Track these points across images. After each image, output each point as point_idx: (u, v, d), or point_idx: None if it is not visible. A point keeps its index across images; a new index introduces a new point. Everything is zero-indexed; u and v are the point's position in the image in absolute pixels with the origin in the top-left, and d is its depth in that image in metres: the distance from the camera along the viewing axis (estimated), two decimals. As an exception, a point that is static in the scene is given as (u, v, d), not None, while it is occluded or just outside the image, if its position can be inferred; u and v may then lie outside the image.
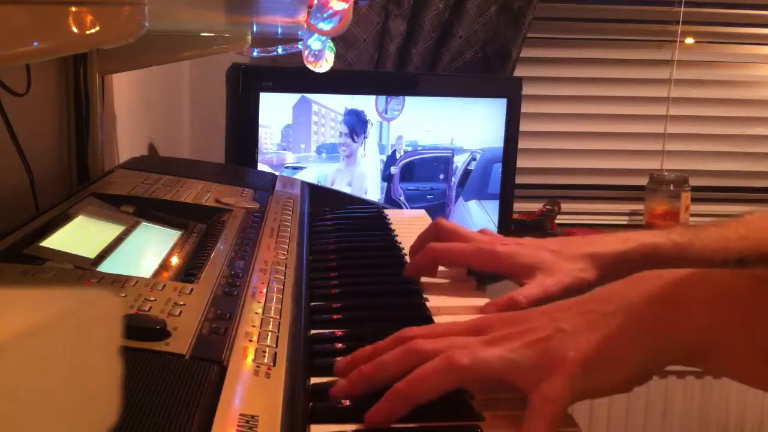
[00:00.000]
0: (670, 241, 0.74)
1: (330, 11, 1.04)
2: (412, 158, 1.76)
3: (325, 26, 1.06)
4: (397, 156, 1.74)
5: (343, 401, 0.51)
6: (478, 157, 1.80)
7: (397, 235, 0.93)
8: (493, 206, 1.83)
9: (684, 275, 0.53)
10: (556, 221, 2.08)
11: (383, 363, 0.52)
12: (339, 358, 0.56)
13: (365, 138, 1.70)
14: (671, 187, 2.03)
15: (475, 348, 0.51)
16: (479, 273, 0.79)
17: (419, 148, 1.76)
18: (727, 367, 0.52)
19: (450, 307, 0.70)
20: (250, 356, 0.51)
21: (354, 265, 0.82)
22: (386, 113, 1.71)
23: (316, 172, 1.66)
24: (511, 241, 0.76)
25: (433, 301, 0.71)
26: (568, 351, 0.50)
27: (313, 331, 0.62)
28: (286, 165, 1.63)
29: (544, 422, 0.47)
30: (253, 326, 0.56)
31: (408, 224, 0.95)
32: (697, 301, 0.51)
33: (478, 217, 1.82)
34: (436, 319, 0.66)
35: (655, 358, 0.51)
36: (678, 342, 0.51)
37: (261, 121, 1.58)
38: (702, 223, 0.77)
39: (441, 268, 0.78)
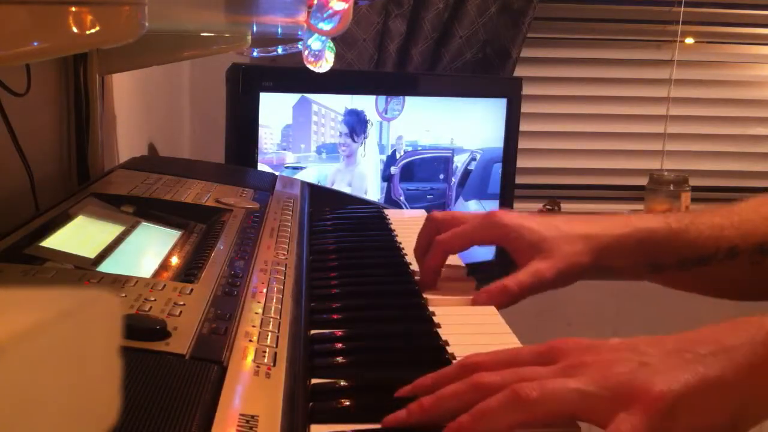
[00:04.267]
0: (666, 226, 0.74)
1: (330, 11, 1.04)
2: (412, 158, 1.76)
3: (325, 26, 1.06)
4: (397, 156, 1.74)
5: (342, 401, 0.51)
6: (478, 157, 1.80)
7: (397, 235, 0.92)
8: (493, 206, 1.83)
9: None
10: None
11: (444, 397, 0.48)
12: (340, 358, 0.56)
13: (365, 138, 1.70)
14: (671, 187, 2.03)
15: (546, 380, 0.46)
16: (479, 272, 0.79)
17: (419, 148, 1.76)
18: None
19: (450, 307, 0.70)
20: (250, 356, 0.51)
21: (354, 265, 0.82)
22: (386, 113, 1.71)
23: (316, 172, 1.66)
24: (514, 214, 0.76)
25: (433, 301, 0.71)
26: (655, 385, 0.45)
27: (313, 331, 0.62)
28: (286, 165, 1.63)
29: None
30: (253, 326, 0.56)
31: (408, 224, 0.95)
32: None
33: (478, 217, 1.81)
34: (436, 319, 0.66)
35: (751, 409, 0.46)
36: None
37: (261, 121, 1.58)
38: (699, 210, 0.78)
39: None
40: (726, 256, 0.74)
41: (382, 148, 1.73)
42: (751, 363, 0.46)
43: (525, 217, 0.75)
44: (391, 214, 1.04)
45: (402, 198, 1.75)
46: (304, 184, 1.14)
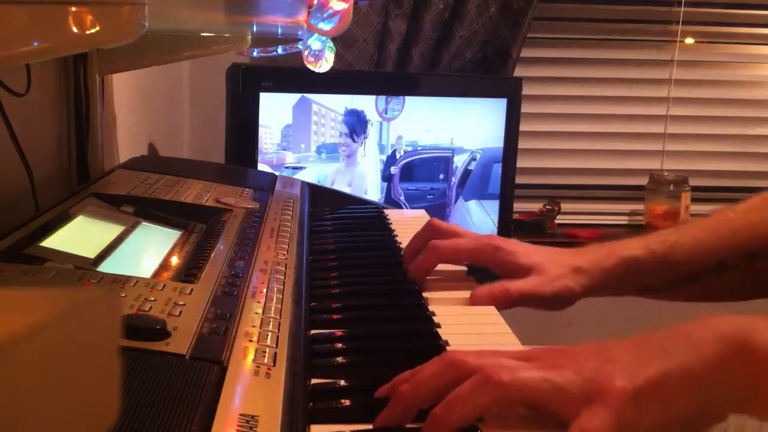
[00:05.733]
0: (649, 252, 0.75)
1: (330, 11, 1.04)
2: (412, 158, 1.76)
3: (325, 26, 1.06)
4: (397, 156, 1.74)
5: (342, 401, 0.51)
6: (478, 157, 1.80)
7: (397, 235, 0.93)
8: (493, 206, 1.83)
9: (755, 320, 0.49)
10: (556, 221, 2.08)
11: (421, 380, 0.49)
12: (340, 358, 0.56)
13: (365, 138, 1.70)
14: (671, 187, 2.03)
15: (518, 368, 0.48)
16: (478, 272, 0.79)
17: (419, 148, 1.76)
18: None
19: (450, 307, 0.70)
20: (250, 356, 0.51)
21: (354, 265, 0.82)
22: (386, 113, 1.71)
23: (316, 172, 1.66)
24: (508, 240, 0.78)
25: (433, 301, 0.71)
26: (618, 379, 0.46)
27: (313, 331, 0.62)
28: (286, 165, 1.63)
29: None
30: (253, 326, 0.56)
31: (408, 224, 0.95)
32: (765, 345, 0.47)
33: (478, 217, 1.82)
34: (436, 319, 0.66)
35: (718, 399, 0.47)
36: (740, 384, 0.47)
37: (261, 121, 1.58)
38: (684, 225, 0.78)
39: (440, 267, 0.78)
40: (716, 271, 0.75)
41: (382, 148, 1.73)
42: (721, 356, 0.47)
43: (520, 244, 0.77)
44: (391, 214, 1.04)
45: (402, 198, 1.75)
46: (304, 184, 1.14)
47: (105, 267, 0.66)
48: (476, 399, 0.46)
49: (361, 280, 0.78)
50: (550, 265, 0.74)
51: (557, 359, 0.49)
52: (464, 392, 0.46)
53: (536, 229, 2.03)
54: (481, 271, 0.79)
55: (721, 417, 0.48)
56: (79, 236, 0.72)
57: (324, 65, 1.21)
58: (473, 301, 0.71)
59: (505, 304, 0.71)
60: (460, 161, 1.79)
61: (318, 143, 1.66)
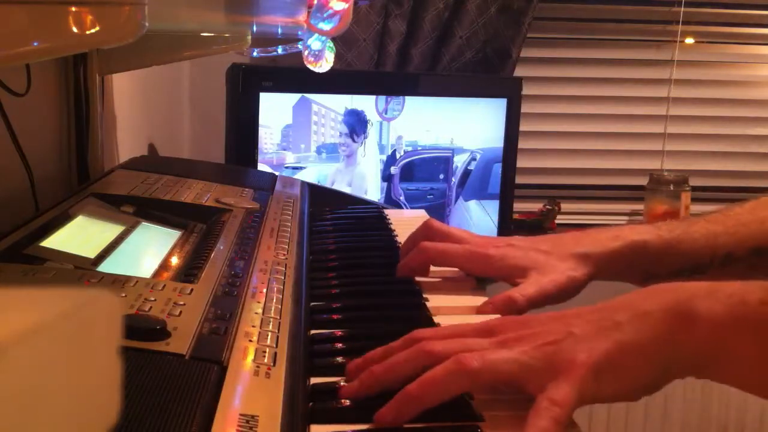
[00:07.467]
0: (658, 237, 0.74)
1: (330, 11, 1.04)
2: (412, 158, 1.76)
3: (325, 26, 1.06)
4: (397, 156, 1.74)
5: (343, 401, 0.51)
6: (478, 157, 1.80)
7: (397, 235, 0.93)
8: (493, 206, 1.83)
9: (698, 288, 0.52)
10: (556, 221, 2.08)
11: (394, 364, 0.52)
12: (340, 358, 0.57)
13: (365, 138, 1.70)
14: (671, 187, 2.03)
15: (486, 351, 0.51)
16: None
17: (419, 148, 1.76)
18: (739, 380, 0.51)
19: (450, 307, 0.70)
20: (250, 356, 0.51)
21: (354, 265, 0.82)
22: (386, 113, 1.71)
23: (316, 172, 1.66)
24: (502, 243, 0.76)
25: (433, 301, 0.71)
26: (578, 355, 0.49)
27: (313, 331, 0.62)
28: (286, 165, 1.63)
29: (547, 425, 0.47)
30: (253, 326, 0.56)
31: (408, 224, 0.95)
32: (707, 314, 0.50)
33: (478, 217, 1.82)
34: (436, 319, 0.66)
35: (666, 369, 0.51)
36: (689, 353, 0.50)
37: (261, 121, 1.58)
38: (692, 217, 0.77)
39: (440, 267, 0.78)
40: (721, 263, 0.74)
41: (382, 148, 1.73)
42: (669, 327, 0.50)
43: (513, 246, 0.75)
44: (391, 214, 1.04)
45: (402, 198, 1.75)
46: (304, 184, 1.14)
47: (105, 267, 0.66)
48: (450, 385, 0.49)
49: (361, 280, 0.78)
50: (550, 259, 0.73)
51: (519, 330, 0.53)
52: (438, 377, 0.49)
53: (536, 229, 2.03)
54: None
55: (668, 381, 0.51)
56: (79, 236, 0.72)
57: (324, 65, 1.21)
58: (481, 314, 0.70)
59: (512, 313, 0.69)
60: (460, 161, 1.79)
61: (318, 143, 1.66)
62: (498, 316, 0.69)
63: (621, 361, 0.50)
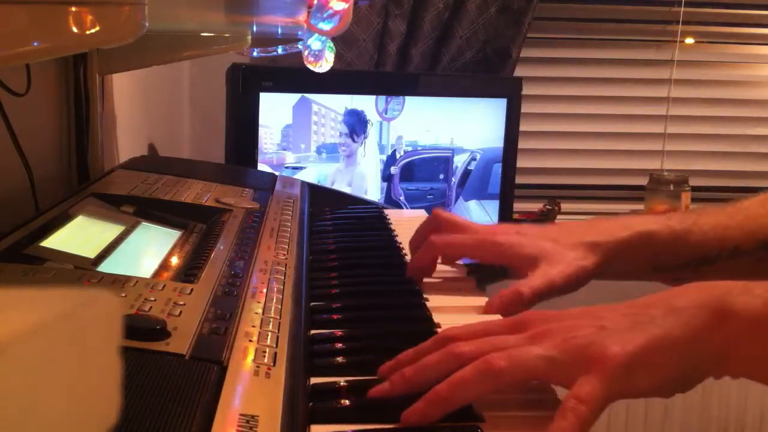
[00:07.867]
0: (667, 228, 0.74)
1: (330, 11, 1.04)
2: (412, 158, 1.76)
3: (325, 26, 1.06)
4: (397, 156, 1.74)
5: (342, 401, 0.51)
6: (478, 157, 1.80)
7: (397, 235, 0.92)
8: (493, 206, 1.83)
9: (732, 285, 0.51)
10: (556, 221, 2.08)
11: (424, 367, 0.51)
12: (340, 358, 0.56)
13: (365, 138, 1.70)
14: (671, 187, 2.03)
15: (513, 349, 0.50)
16: (479, 271, 0.79)
17: (419, 148, 1.76)
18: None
19: (450, 307, 0.70)
20: (250, 356, 0.51)
21: (354, 265, 0.82)
22: (386, 113, 1.71)
23: (316, 172, 1.66)
24: (511, 230, 0.75)
25: (433, 301, 0.71)
26: (611, 348, 0.48)
27: (313, 331, 0.62)
28: (286, 165, 1.63)
29: (573, 423, 0.46)
30: (253, 326, 0.56)
31: (408, 224, 0.95)
32: (744, 309, 0.49)
33: (478, 217, 1.82)
34: (437, 319, 0.66)
35: (699, 365, 0.49)
36: (724, 349, 0.49)
37: (261, 121, 1.58)
38: (702, 209, 0.77)
39: (440, 267, 0.78)
40: (730, 256, 0.73)
41: (382, 148, 1.73)
42: (704, 323, 0.49)
43: (522, 233, 0.74)
44: (391, 214, 1.04)
45: (402, 198, 1.75)
46: (304, 184, 1.14)
47: (105, 267, 0.66)
48: (479, 385, 0.49)
49: (361, 280, 0.78)
50: (558, 248, 0.72)
51: (549, 324, 0.52)
52: (467, 378, 0.49)
53: (536, 229, 2.03)
54: (482, 269, 0.79)
55: (700, 380, 0.50)
56: (79, 236, 0.72)
57: (324, 65, 1.21)
58: (487, 312, 0.69)
59: (520, 307, 0.69)
60: (460, 161, 1.79)
61: (318, 143, 1.66)
62: (503, 312, 0.69)
63: (654, 355, 0.48)
